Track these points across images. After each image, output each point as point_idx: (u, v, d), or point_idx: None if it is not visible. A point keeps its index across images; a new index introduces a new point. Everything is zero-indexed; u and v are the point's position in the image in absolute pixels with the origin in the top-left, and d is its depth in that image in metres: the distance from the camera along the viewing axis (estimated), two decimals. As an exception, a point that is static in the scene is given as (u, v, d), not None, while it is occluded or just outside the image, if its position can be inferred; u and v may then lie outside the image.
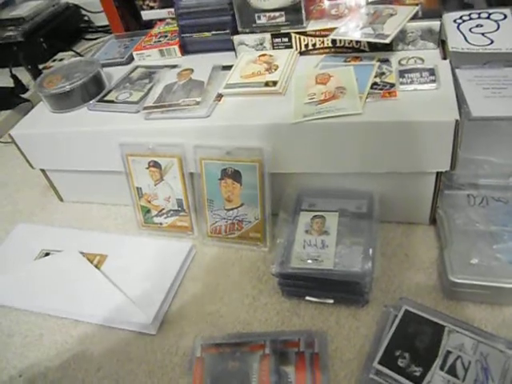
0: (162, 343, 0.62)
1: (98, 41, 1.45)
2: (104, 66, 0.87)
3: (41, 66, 1.31)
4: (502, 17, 0.76)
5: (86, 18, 1.62)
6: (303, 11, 0.73)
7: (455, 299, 0.60)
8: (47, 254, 0.77)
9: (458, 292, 0.59)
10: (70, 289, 0.69)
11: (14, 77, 1.24)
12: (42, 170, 0.87)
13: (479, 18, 0.78)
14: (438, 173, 0.64)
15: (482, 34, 0.74)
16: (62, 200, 0.92)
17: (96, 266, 0.72)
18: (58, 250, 0.77)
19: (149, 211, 0.77)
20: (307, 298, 0.62)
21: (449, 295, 0.60)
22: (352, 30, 0.71)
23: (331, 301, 0.62)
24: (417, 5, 0.72)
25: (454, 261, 0.59)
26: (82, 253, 0.75)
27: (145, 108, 0.72)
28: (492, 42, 0.71)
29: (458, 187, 0.65)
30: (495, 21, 0.76)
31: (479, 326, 0.56)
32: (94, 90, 0.80)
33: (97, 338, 0.64)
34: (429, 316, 0.56)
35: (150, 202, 0.76)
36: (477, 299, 0.59)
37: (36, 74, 1.25)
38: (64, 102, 0.79)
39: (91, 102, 0.79)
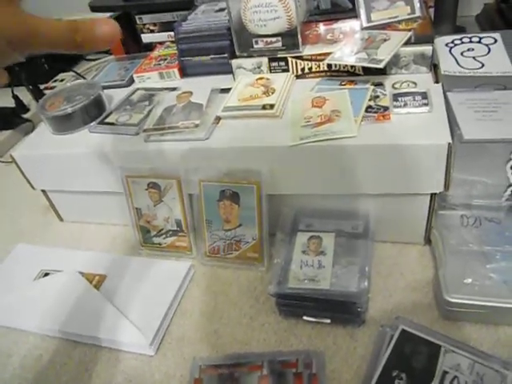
0: (161, 364, 0.62)
1: (98, 61, 1.48)
2: (105, 88, 0.89)
3: (42, 87, 1.33)
4: (493, 41, 0.79)
5: (86, 39, 1.65)
6: (299, 36, 0.75)
7: (451, 319, 0.60)
8: (46, 275, 0.78)
9: (454, 311, 0.59)
10: (69, 309, 0.69)
11: (15, 97, 1.26)
12: (43, 191, 0.88)
13: (470, 41, 0.80)
14: (432, 194, 0.65)
15: (473, 57, 0.76)
16: (62, 220, 0.93)
17: (95, 287, 0.73)
18: (58, 270, 0.78)
19: (148, 231, 0.78)
20: (304, 317, 0.63)
21: (444, 315, 0.61)
22: (347, 54, 0.73)
23: (328, 320, 0.62)
24: (410, 30, 0.74)
25: (449, 280, 0.60)
26: (81, 273, 0.75)
27: (144, 130, 0.73)
28: (483, 65, 0.73)
29: (451, 208, 0.66)
30: (486, 45, 0.78)
31: (475, 345, 0.56)
32: (94, 112, 0.82)
33: (95, 359, 0.65)
34: (425, 336, 0.56)
35: (149, 222, 0.77)
36: (472, 318, 0.60)
37: (37, 94, 1.27)
38: (65, 124, 0.81)
39: (92, 124, 0.81)
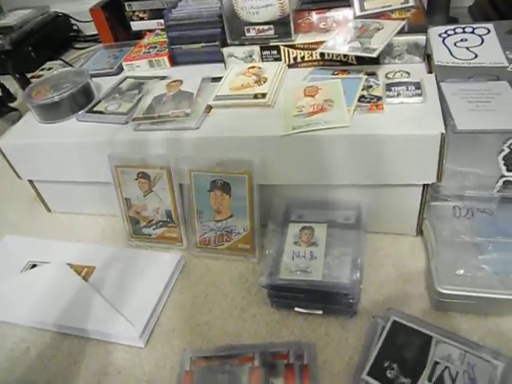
0: (151, 356, 0.62)
1: (87, 50, 1.45)
2: (93, 76, 0.87)
3: (29, 75, 1.30)
4: (486, 31, 0.78)
5: (75, 27, 1.62)
6: (292, 25, 0.74)
7: (442, 309, 0.61)
8: (34, 266, 0.76)
9: (445, 302, 0.59)
10: (58, 301, 0.68)
11: (1, 86, 1.23)
12: (30, 181, 0.86)
13: (464, 32, 0.80)
14: (424, 185, 0.65)
15: (467, 48, 0.75)
16: (49, 211, 0.91)
17: (84, 278, 0.72)
18: (46, 261, 0.76)
19: (138, 222, 0.77)
20: (296, 309, 0.63)
21: (436, 305, 0.61)
22: (340, 43, 0.72)
23: (320, 312, 0.62)
24: (403, 19, 0.73)
25: (441, 272, 0.60)
26: (69, 264, 0.74)
27: (134, 119, 0.72)
28: (476, 56, 0.73)
29: (444, 199, 0.66)
30: (479, 35, 0.78)
31: (466, 336, 0.56)
32: (82, 100, 0.80)
33: (85, 352, 0.64)
34: (416, 326, 0.56)
35: (138, 213, 0.76)
36: (463, 309, 0.60)
37: (24, 82, 1.24)
38: (52, 112, 0.79)
39: (80, 112, 0.79)
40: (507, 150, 0.60)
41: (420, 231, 0.70)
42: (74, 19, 1.58)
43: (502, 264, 0.59)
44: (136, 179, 0.73)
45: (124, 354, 0.63)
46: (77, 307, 0.67)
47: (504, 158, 0.61)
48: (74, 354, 0.64)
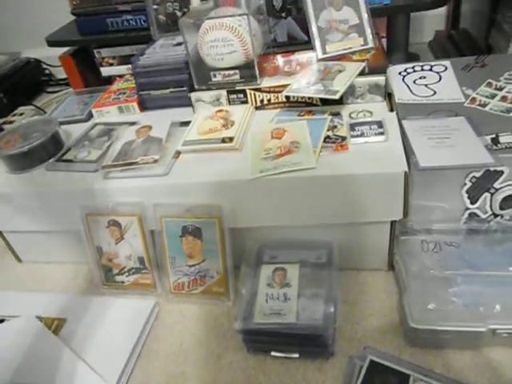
0: (125, 412, 0.60)
1: (58, 94, 1.46)
2: (63, 123, 0.88)
3: (1, 121, 1.30)
4: (443, 68, 0.82)
5: (47, 72, 1.63)
6: (256, 69, 0.76)
7: (417, 345, 0.61)
8: (2, 321, 0.74)
9: (420, 338, 0.60)
10: (25, 358, 0.65)
11: (-29, 133, 1.22)
12: (-1, 232, 0.84)
13: (422, 70, 0.83)
14: (392, 221, 0.66)
15: (426, 85, 0.78)
16: (20, 261, 0.89)
17: (54, 331, 0.69)
18: (15, 315, 0.74)
19: (110, 270, 0.76)
20: (272, 353, 0.62)
21: (411, 341, 0.61)
22: (304, 86, 0.74)
23: (297, 355, 0.61)
24: (363, 61, 0.76)
25: (413, 307, 0.60)
26: (39, 317, 0.72)
27: (103, 167, 0.72)
28: (435, 92, 0.76)
29: (412, 233, 0.67)
30: (437, 72, 0.81)
31: (442, 371, 0.57)
32: (52, 149, 0.80)
33: (55, 411, 0.61)
34: (393, 365, 0.56)
35: (110, 260, 0.75)
36: (438, 344, 0.60)
37: (-5, 129, 1.23)
38: (22, 162, 0.78)
39: (50, 161, 0.79)
40: (469, 184, 0.62)
41: (391, 266, 0.71)
42: (46, 64, 1.60)
43: (471, 296, 0.59)
44: (107, 227, 0.73)
45: (97, 411, 0.60)
46: (46, 364, 0.65)
47: (467, 192, 0.63)
48: (44, 414, 0.61)
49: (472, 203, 0.64)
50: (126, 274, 0.75)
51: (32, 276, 0.85)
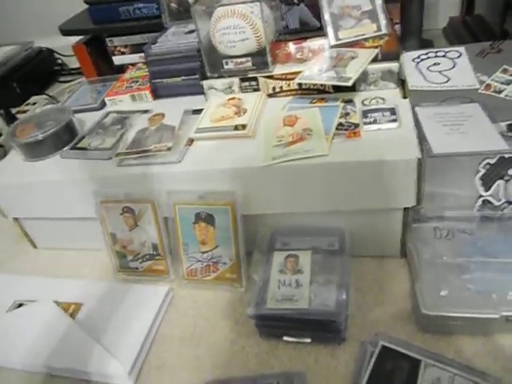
0: (140, 394, 0.61)
1: (71, 83, 1.47)
2: (76, 112, 0.88)
3: (14, 110, 1.31)
4: (458, 55, 0.81)
5: (59, 61, 1.64)
6: (268, 56, 0.76)
7: (430, 331, 0.61)
8: (20, 305, 0.75)
9: (432, 324, 0.60)
10: (44, 341, 0.67)
11: (-14, 123, 1.24)
12: (15, 219, 0.86)
13: (436, 56, 0.82)
14: (404, 208, 0.66)
15: (439, 72, 0.78)
16: (36, 247, 0.91)
17: (71, 315, 0.71)
18: (32, 299, 0.76)
19: (124, 256, 0.77)
20: (285, 338, 0.63)
21: (423, 328, 0.61)
22: (316, 73, 0.74)
23: (309, 340, 0.62)
24: (376, 47, 0.75)
25: (425, 294, 0.60)
26: (56, 302, 0.74)
27: (117, 154, 0.73)
28: (449, 79, 0.75)
29: (425, 220, 0.67)
30: (451, 59, 0.80)
31: (454, 357, 0.57)
32: (66, 137, 0.81)
33: (73, 393, 0.63)
34: (405, 351, 0.57)
35: (125, 247, 0.76)
36: (450, 330, 0.60)
37: (9, 118, 1.24)
38: (37, 150, 0.80)
39: (64, 149, 0.80)
40: (483, 171, 0.62)
41: (404, 253, 0.71)
42: (58, 53, 1.60)
43: (484, 283, 0.59)
44: (121, 214, 0.74)
45: (113, 393, 0.62)
46: (64, 347, 0.66)
47: (481, 179, 0.63)
48: (62, 395, 0.63)
49: (486, 190, 0.63)
50: (140, 260, 0.76)
51: (48, 262, 0.87)
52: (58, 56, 1.62)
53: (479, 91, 0.71)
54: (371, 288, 0.68)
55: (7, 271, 0.86)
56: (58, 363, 0.65)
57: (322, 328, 0.61)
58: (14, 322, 0.73)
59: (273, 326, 0.63)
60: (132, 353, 0.63)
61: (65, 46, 1.49)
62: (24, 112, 1.29)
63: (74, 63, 1.55)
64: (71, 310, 0.72)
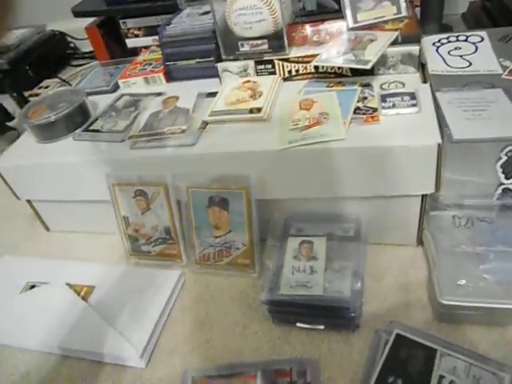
0: (152, 377, 0.61)
1: (83, 67, 1.46)
2: (89, 94, 0.88)
3: (27, 93, 1.31)
4: (479, 39, 0.79)
5: (71, 45, 1.63)
6: (285, 38, 0.75)
7: (446, 321, 0.60)
8: (33, 287, 0.76)
9: (448, 314, 0.59)
10: (57, 323, 0.67)
11: (-1, 105, 1.24)
12: (28, 201, 0.86)
13: (457, 40, 0.80)
14: (423, 195, 0.64)
15: (461, 56, 0.75)
16: (48, 230, 0.91)
17: (83, 298, 0.71)
18: (45, 281, 0.76)
19: (136, 240, 0.76)
20: (298, 324, 0.62)
21: (439, 317, 0.60)
22: (334, 56, 0.72)
23: (322, 327, 0.61)
24: (396, 30, 0.73)
25: (442, 283, 0.59)
26: (68, 284, 0.74)
27: (130, 137, 0.72)
28: (470, 64, 0.73)
29: (443, 208, 0.66)
30: (473, 43, 0.78)
31: (471, 347, 0.56)
32: (79, 119, 0.80)
33: (84, 374, 0.63)
34: (420, 339, 0.56)
35: (137, 230, 0.76)
36: (467, 320, 0.59)
37: (22, 101, 1.25)
38: (49, 132, 0.79)
39: (77, 131, 0.79)
40: (505, 158, 0.60)
41: (420, 241, 0.70)
42: (71, 37, 1.59)
43: (503, 273, 0.58)
44: (134, 197, 0.73)
45: (125, 375, 0.62)
46: (76, 329, 0.66)
47: (502, 166, 0.61)
48: (74, 376, 0.63)
49: (507, 178, 0.62)
50: (153, 244, 0.76)
51: (60, 245, 0.87)
52: (70, 40, 1.61)
53: (502, 76, 0.69)
54: (386, 276, 0.67)
55: (20, 253, 0.86)
56: (69, 344, 0.65)
57: (335, 315, 0.60)
58: (28, 303, 0.73)
59: (286, 311, 0.62)
60: (144, 336, 0.63)
61: (78, 29, 1.47)
62: (36, 95, 1.29)
63: (86, 47, 1.55)
64: (83, 292, 0.72)
